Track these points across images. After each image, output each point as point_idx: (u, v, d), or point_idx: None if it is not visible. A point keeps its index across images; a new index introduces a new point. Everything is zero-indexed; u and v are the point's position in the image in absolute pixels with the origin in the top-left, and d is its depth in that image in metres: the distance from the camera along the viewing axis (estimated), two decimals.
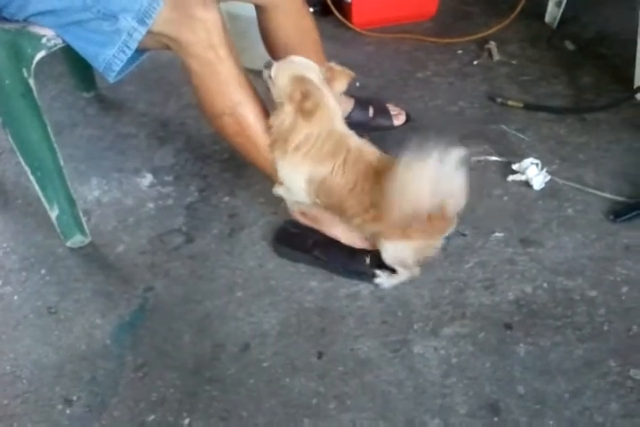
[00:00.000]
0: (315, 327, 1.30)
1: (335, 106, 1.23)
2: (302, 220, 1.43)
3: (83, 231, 1.50)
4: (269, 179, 1.35)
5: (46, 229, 1.51)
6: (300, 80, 1.19)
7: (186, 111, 1.88)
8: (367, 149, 1.25)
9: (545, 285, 1.35)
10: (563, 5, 2.09)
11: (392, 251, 1.28)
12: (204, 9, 1.16)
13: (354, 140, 1.25)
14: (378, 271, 1.34)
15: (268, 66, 1.24)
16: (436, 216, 1.16)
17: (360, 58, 2.12)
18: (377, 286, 1.35)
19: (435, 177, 1.07)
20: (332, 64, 1.26)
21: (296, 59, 1.26)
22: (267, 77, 1.23)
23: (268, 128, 1.25)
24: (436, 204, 1.12)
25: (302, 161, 1.23)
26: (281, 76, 1.22)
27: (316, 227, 1.41)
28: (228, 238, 1.51)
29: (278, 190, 1.36)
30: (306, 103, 1.16)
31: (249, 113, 1.24)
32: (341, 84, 1.25)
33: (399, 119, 1.78)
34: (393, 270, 1.33)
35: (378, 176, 1.19)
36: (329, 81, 1.23)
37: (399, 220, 1.14)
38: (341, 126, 1.26)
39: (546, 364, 1.20)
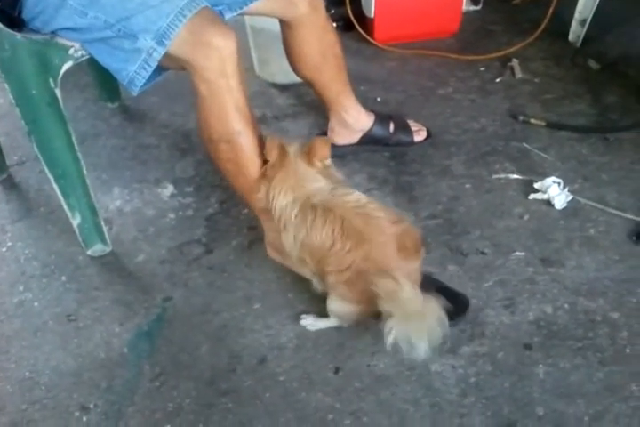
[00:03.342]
0: (332, 342, 1.30)
1: (304, 174, 1.23)
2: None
3: (104, 240, 1.51)
4: (248, 207, 1.40)
5: (68, 236, 1.53)
6: (275, 142, 1.23)
7: None
8: (343, 201, 1.19)
9: (566, 305, 1.33)
10: (587, 24, 2.09)
11: (338, 307, 1.25)
12: (222, 37, 1.16)
13: (322, 195, 1.20)
14: (304, 315, 1.34)
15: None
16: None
17: (382, 73, 2.13)
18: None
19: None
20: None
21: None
22: None
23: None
24: None
25: (286, 231, 1.23)
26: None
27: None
28: (247, 250, 1.51)
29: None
30: (269, 162, 1.22)
31: (246, 143, 1.26)
32: (322, 151, 1.24)
33: (420, 135, 1.79)
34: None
35: (360, 237, 1.14)
36: (309, 152, 1.24)
37: None
38: (311, 188, 1.22)
39: (566, 386, 1.19)
